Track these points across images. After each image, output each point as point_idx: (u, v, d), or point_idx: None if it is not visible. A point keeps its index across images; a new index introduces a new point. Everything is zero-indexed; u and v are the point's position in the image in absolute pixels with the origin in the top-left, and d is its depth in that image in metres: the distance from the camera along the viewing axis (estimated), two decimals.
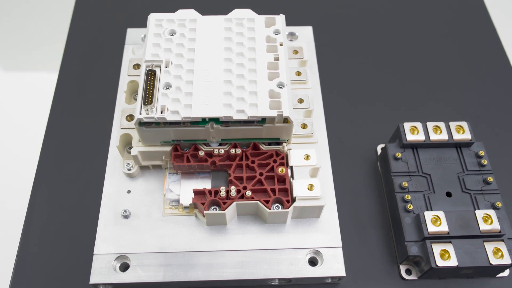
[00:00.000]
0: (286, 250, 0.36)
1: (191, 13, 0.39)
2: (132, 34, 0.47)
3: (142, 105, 0.34)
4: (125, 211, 0.37)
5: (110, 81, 0.45)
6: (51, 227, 0.38)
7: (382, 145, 0.43)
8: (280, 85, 0.35)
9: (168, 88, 0.35)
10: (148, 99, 0.35)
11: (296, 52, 0.43)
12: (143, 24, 0.43)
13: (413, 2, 0.55)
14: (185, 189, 0.37)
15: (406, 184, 0.38)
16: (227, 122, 0.35)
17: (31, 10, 0.91)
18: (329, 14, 0.53)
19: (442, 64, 0.50)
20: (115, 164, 0.39)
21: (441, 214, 0.36)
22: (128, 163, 0.39)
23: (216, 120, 0.35)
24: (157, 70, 0.36)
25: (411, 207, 0.37)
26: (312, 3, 0.54)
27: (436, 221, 0.36)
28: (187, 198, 0.37)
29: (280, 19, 0.39)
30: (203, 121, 0.34)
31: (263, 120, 0.35)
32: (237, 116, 0.34)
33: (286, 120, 0.35)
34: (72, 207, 0.39)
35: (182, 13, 0.39)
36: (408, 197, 0.37)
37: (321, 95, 0.44)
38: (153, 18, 0.39)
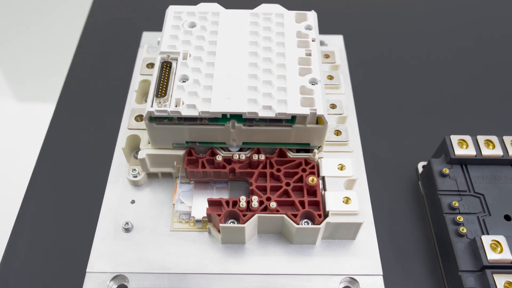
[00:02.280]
0: (316, 277, 0.30)
1: (214, 6, 0.36)
2: (148, 37, 0.44)
3: (154, 97, 0.30)
4: (126, 223, 0.32)
5: (121, 83, 0.41)
6: (40, 238, 0.33)
7: (424, 163, 0.37)
8: (313, 82, 0.31)
9: (184, 81, 0.31)
10: (162, 91, 0.30)
11: (327, 56, 0.39)
12: (159, 28, 0.40)
13: (455, 7, 0.52)
14: (198, 200, 0.32)
15: (457, 204, 0.32)
16: (251, 121, 0.30)
17: (45, 9, 0.90)
18: (361, 23, 0.50)
19: (487, 74, 0.45)
20: (120, 170, 0.34)
21: (502, 239, 0.30)
22: (134, 169, 0.34)
23: (238, 118, 0.30)
24: (174, 63, 0.32)
25: (465, 230, 0.31)
26: (343, 12, 0.51)
27: (496, 247, 0.30)
28: (200, 211, 0.31)
29: (312, 15, 0.35)
30: (224, 118, 0.30)
31: (292, 119, 0.30)
32: (263, 113, 0.29)
33: (319, 121, 0.30)
34: (67, 217, 0.34)
35: (203, 6, 0.35)
36: (460, 218, 0.31)
37: (354, 107, 0.39)
38: (172, 10, 0.35)
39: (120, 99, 0.39)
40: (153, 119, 0.30)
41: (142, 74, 0.37)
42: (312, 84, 0.31)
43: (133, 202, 0.33)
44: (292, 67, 0.31)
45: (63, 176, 0.36)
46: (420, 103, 0.43)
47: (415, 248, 0.33)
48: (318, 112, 0.29)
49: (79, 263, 0.31)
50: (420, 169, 0.37)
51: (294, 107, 0.29)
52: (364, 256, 0.31)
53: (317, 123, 0.30)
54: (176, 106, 0.29)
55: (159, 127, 0.30)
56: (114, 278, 0.30)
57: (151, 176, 0.34)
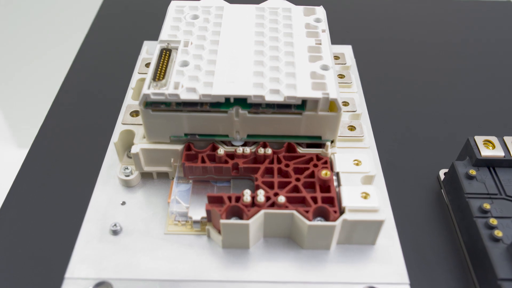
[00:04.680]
0: (331, 285, 0.26)
1: (218, 1, 0.34)
2: (149, 46, 0.42)
3: (152, 81, 0.27)
4: (115, 224, 0.28)
5: (120, 89, 0.39)
6: (18, 240, 0.29)
7: (445, 170, 0.34)
8: (324, 68, 0.28)
9: (185, 67, 0.28)
10: (160, 75, 0.28)
11: (337, 57, 0.37)
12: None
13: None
14: (197, 200, 0.29)
15: (489, 206, 0.29)
16: (256, 107, 0.27)
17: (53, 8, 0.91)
18: (370, 33, 0.48)
19: (501, 77, 0.43)
20: (111, 171, 0.31)
21: None
22: (127, 168, 0.30)
23: (242, 104, 0.27)
24: (174, 52, 0.30)
25: (500, 234, 0.27)
26: (351, 22, 0.50)
27: None
28: (198, 212, 0.28)
29: (321, 10, 0.33)
30: (227, 103, 0.27)
31: (302, 105, 0.27)
32: (270, 97, 0.26)
33: (331, 108, 0.27)
34: (50, 217, 0.30)
35: (207, 1, 0.34)
36: (493, 221, 0.28)
37: (367, 113, 0.36)
38: (174, 4, 0.34)
39: (118, 103, 0.37)
40: (149, 105, 0.27)
41: (140, 73, 0.35)
42: (323, 70, 0.28)
43: (123, 203, 0.29)
44: (301, 55, 0.29)
45: (51, 174, 0.33)
46: (435, 110, 0.40)
47: (441, 257, 0.29)
48: (331, 96, 0.26)
49: (58, 268, 0.27)
50: (442, 177, 0.34)
51: (305, 91, 0.27)
52: (387, 262, 0.27)
53: (330, 110, 0.28)
54: (175, 89, 0.27)
55: (156, 114, 0.27)
56: (97, 285, 0.25)
57: (145, 176, 0.31)
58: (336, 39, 0.43)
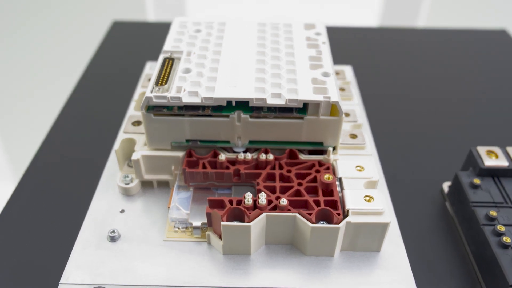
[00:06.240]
0: None
1: (220, 17, 0.35)
2: (151, 65, 0.43)
3: (154, 86, 0.27)
4: (113, 231, 0.27)
5: (122, 105, 0.39)
6: (15, 244, 0.28)
7: (449, 183, 0.34)
8: (325, 75, 0.29)
9: (187, 73, 0.29)
10: (163, 80, 0.28)
11: (338, 73, 0.37)
12: None
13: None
14: (197, 207, 0.28)
15: (495, 214, 0.28)
16: (258, 111, 0.27)
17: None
18: (369, 54, 0.49)
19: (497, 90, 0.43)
20: (111, 180, 0.31)
21: None
22: (127, 176, 0.30)
23: (244, 108, 0.27)
24: (177, 62, 0.30)
25: (509, 240, 0.26)
26: (351, 43, 0.51)
27: None
28: (199, 218, 0.27)
29: (321, 25, 0.34)
30: (229, 107, 0.27)
31: (304, 109, 0.27)
32: (271, 100, 0.27)
33: (332, 113, 0.27)
34: (49, 224, 0.30)
35: (210, 17, 0.35)
36: (501, 228, 0.27)
37: (368, 124, 0.36)
38: (178, 20, 0.34)
39: (122, 117, 0.37)
40: (151, 109, 0.27)
41: (143, 87, 0.35)
42: (324, 76, 0.28)
43: (122, 211, 0.29)
44: (302, 63, 0.30)
45: (52, 182, 0.33)
46: (435, 123, 0.40)
47: (449, 266, 0.28)
48: (333, 99, 0.26)
49: (54, 274, 0.26)
50: (446, 189, 0.33)
51: (306, 94, 0.27)
52: (393, 269, 0.26)
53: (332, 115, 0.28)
54: (177, 93, 0.27)
55: (158, 119, 0.27)
56: None
57: (145, 185, 0.30)
58: (336, 61, 0.44)
